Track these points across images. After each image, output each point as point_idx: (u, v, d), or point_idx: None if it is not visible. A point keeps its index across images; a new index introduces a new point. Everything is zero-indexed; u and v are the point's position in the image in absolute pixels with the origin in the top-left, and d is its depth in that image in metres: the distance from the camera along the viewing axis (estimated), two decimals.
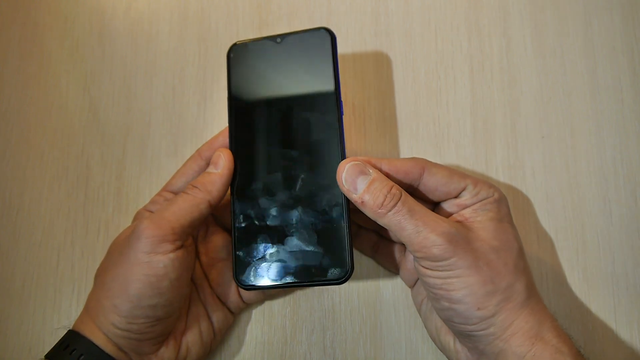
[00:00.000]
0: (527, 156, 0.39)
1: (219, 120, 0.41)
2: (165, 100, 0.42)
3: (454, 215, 0.32)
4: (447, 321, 0.30)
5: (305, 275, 0.31)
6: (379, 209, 0.29)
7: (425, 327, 0.35)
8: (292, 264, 0.31)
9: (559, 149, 0.39)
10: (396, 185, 0.30)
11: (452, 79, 0.40)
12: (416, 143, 0.39)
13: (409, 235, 0.29)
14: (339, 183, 0.31)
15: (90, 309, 0.31)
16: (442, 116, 0.40)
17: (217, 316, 0.35)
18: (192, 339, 0.34)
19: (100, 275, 0.32)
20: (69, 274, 0.39)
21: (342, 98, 0.40)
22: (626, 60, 0.39)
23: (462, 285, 0.29)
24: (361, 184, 0.30)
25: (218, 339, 0.35)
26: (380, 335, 0.37)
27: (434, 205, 0.33)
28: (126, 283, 0.29)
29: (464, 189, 0.32)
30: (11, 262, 0.39)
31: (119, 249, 0.31)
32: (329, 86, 0.33)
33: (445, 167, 0.32)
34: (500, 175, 0.39)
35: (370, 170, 0.30)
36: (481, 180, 0.32)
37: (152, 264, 0.29)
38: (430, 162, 0.32)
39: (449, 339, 0.32)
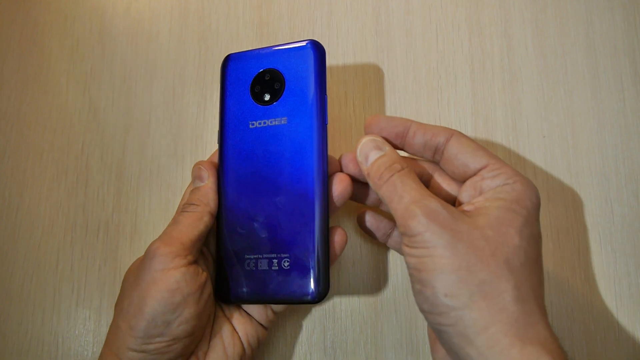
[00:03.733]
0: (528, 156, 0.39)
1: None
2: (165, 100, 0.42)
3: (463, 204, 0.30)
4: (422, 312, 0.28)
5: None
6: (378, 180, 0.30)
7: None
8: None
9: (560, 149, 0.38)
10: (402, 161, 0.30)
11: (453, 78, 0.40)
12: None
13: (395, 206, 0.28)
14: (356, 155, 0.32)
15: (108, 339, 0.31)
16: (443, 116, 0.40)
17: (245, 330, 0.34)
18: (215, 357, 0.32)
19: (118, 304, 0.31)
20: (68, 274, 0.39)
21: (344, 98, 0.40)
22: (627, 60, 0.39)
23: (433, 266, 0.26)
24: (372, 157, 0.31)
25: (250, 354, 0.34)
26: (381, 336, 0.37)
27: (458, 188, 0.32)
28: (141, 303, 0.29)
29: (484, 167, 0.29)
30: (11, 262, 0.39)
31: (134, 274, 0.31)
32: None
33: (475, 142, 0.31)
34: None
35: (387, 148, 0.31)
36: (508, 166, 0.29)
37: (165, 279, 0.29)
38: (463, 134, 0.31)
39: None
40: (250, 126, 0.34)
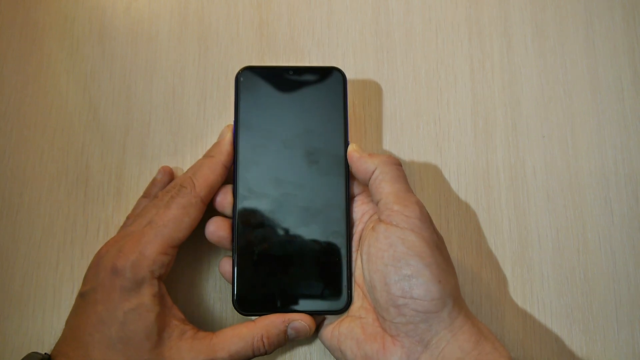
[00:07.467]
0: (528, 156, 0.39)
1: (219, 120, 0.41)
2: (165, 100, 0.42)
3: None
4: (402, 297, 0.29)
5: (303, 305, 0.32)
6: (391, 158, 0.33)
7: (340, 349, 0.31)
8: (292, 293, 0.32)
9: (560, 149, 0.39)
10: None
11: (452, 78, 0.40)
12: (417, 143, 0.39)
13: (399, 186, 0.31)
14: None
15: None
16: (442, 116, 0.40)
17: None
18: None
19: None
20: (68, 274, 0.39)
21: None
22: (627, 60, 0.39)
23: (424, 252, 0.29)
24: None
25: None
26: None
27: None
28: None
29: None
30: (11, 262, 0.39)
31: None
32: (338, 127, 0.34)
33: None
34: (501, 174, 0.38)
35: None
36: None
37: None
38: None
39: (377, 342, 0.30)
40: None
